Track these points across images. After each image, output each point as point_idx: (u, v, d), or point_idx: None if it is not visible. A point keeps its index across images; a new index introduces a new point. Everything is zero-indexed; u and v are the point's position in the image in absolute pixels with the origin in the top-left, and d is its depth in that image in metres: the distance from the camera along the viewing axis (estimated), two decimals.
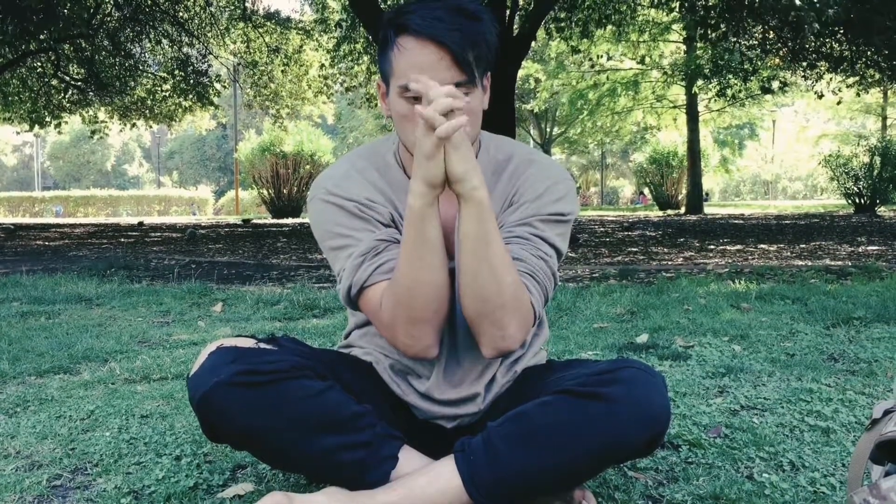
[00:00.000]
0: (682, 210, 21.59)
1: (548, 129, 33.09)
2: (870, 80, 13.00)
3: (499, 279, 1.17)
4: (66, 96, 15.43)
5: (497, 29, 1.25)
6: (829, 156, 16.94)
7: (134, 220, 20.47)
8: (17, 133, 18.59)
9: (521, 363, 1.41)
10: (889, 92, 24.84)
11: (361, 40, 12.75)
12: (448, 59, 1.18)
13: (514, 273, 1.20)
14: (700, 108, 21.50)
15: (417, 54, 1.18)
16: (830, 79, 12.75)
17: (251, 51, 15.11)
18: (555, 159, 2.22)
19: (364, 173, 1.34)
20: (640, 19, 14.34)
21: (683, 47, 18.96)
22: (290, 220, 17.79)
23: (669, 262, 6.16)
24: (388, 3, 10.01)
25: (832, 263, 5.61)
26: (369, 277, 1.25)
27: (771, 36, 11.36)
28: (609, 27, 11.83)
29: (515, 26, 9.72)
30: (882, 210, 16.99)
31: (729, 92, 14.11)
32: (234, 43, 15.20)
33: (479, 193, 1.15)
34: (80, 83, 14.99)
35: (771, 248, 7.49)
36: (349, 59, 13.59)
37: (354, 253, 1.27)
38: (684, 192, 22.25)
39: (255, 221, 17.62)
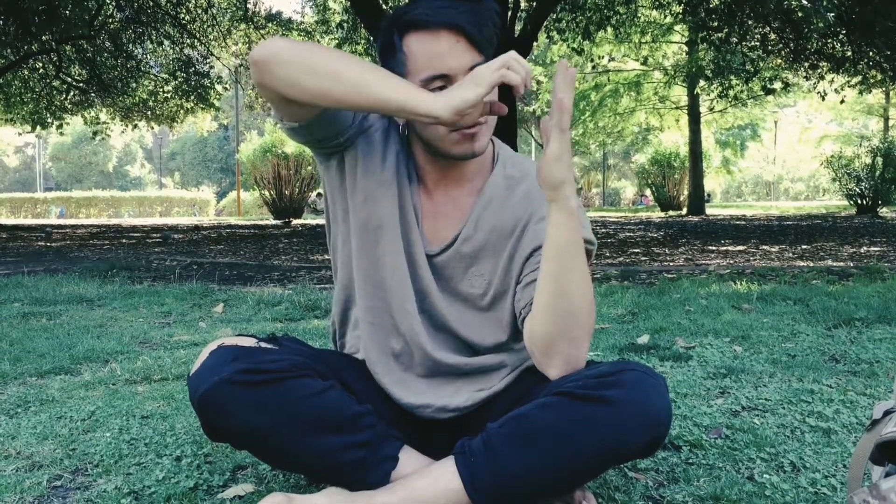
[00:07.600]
0: (684, 211, 21.59)
1: None
2: (872, 80, 13.00)
3: (585, 293, 1.15)
4: (68, 97, 15.47)
5: (499, 10, 1.25)
6: (832, 157, 16.93)
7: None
8: (19, 134, 18.61)
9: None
10: (891, 92, 24.84)
11: (362, 41, 12.77)
12: (464, 42, 1.18)
13: (592, 291, 1.18)
14: (702, 108, 21.50)
15: (432, 44, 1.19)
16: (832, 79, 12.75)
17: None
18: None
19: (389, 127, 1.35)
20: (642, 20, 14.34)
21: (686, 48, 18.97)
22: (292, 221, 17.80)
23: (671, 263, 6.16)
24: (390, 4, 10.01)
25: (834, 264, 5.60)
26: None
27: (772, 37, 11.36)
28: (610, 29, 11.84)
29: (517, 28, 9.72)
30: (884, 211, 16.97)
31: (731, 93, 14.10)
32: (236, 44, 15.23)
33: (572, 203, 1.12)
34: (81, 84, 15.03)
35: (772, 249, 7.48)
36: None
37: None
38: (686, 193, 22.24)
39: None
